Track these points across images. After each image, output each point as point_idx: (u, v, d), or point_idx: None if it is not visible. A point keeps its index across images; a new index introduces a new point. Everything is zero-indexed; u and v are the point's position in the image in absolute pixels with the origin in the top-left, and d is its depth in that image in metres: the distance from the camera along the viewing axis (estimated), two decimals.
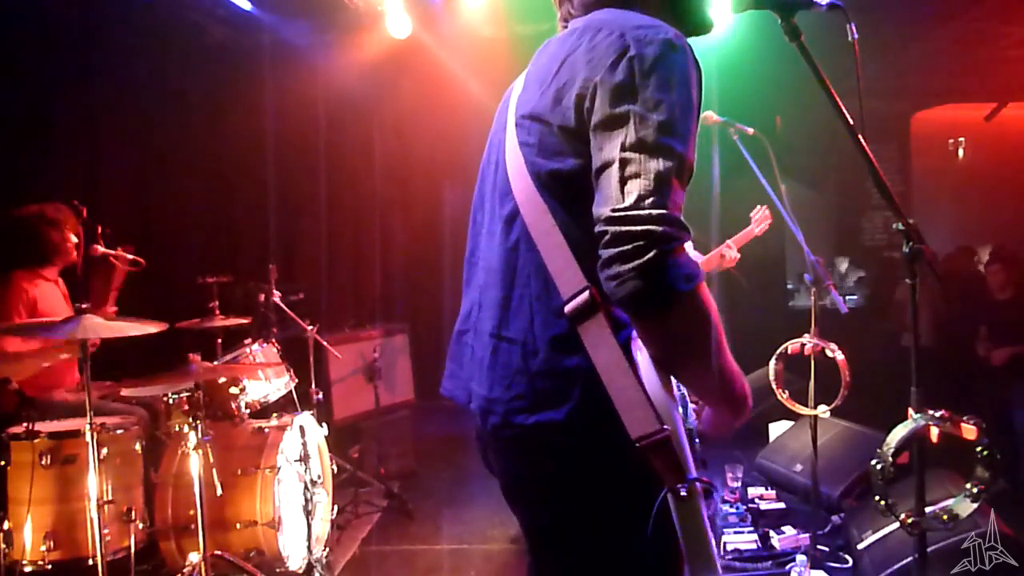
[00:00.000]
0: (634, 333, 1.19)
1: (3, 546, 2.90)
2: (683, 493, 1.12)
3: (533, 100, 1.32)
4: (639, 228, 1.08)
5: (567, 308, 1.20)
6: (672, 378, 1.24)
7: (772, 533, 3.58)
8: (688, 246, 3.92)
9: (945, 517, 1.91)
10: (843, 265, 8.20)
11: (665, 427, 1.12)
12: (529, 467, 1.31)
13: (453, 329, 1.52)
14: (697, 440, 1.39)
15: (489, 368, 1.32)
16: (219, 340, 3.72)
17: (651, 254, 1.07)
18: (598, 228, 1.13)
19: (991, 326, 5.07)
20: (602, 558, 1.27)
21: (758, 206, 3.87)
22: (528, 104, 1.34)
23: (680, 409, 1.34)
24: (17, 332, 3.24)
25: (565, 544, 1.32)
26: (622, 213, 1.10)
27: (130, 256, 3.71)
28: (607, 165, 1.14)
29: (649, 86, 1.15)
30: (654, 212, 1.09)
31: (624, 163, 1.13)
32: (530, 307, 1.27)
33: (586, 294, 1.18)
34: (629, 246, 1.08)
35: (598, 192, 1.15)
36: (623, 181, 1.12)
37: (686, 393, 1.38)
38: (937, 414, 1.82)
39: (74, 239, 3.63)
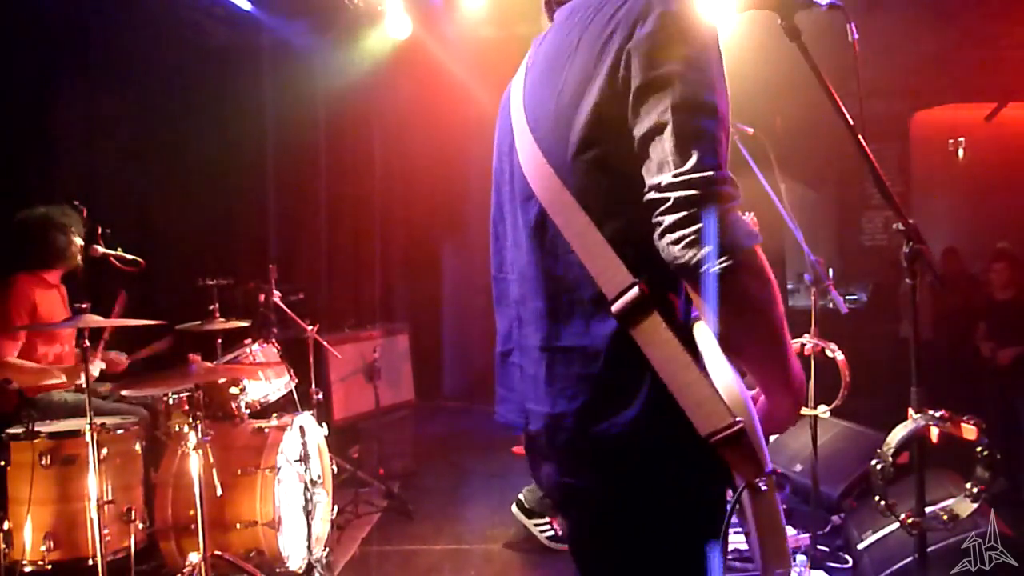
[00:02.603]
0: (694, 319, 1.15)
1: (3, 546, 2.90)
2: (763, 487, 1.07)
3: (545, 90, 1.27)
4: (701, 191, 1.06)
5: (615, 308, 1.14)
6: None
7: None
8: None
9: (945, 517, 1.91)
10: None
11: (739, 419, 1.06)
12: (603, 475, 1.24)
13: (495, 351, 1.44)
14: None
15: (547, 383, 1.25)
16: (219, 340, 3.72)
17: (717, 215, 1.06)
18: (654, 195, 1.09)
19: (991, 325, 5.07)
20: (669, 558, 1.22)
21: (747, 213, 3.89)
22: (539, 96, 1.29)
23: None
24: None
25: (633, 548, 1.24)
26: (684, 177, 1.07)
27: (129, 256, 3.70)
28: (658, 129, 1.11)
29: (688, 43, 1.12)
30: (713, 173, 1.07)
31: (676, 125, 1.09)
32: (580, 312, 1.21)
33: (635, 290, 1.13)
34: (694, 209, 1.06)
35: (649, 159, 1.11)
36: (678, 144, 1.08)
37: None
38: (937, 414, 1.82)
39: (79, 242, 3.62)
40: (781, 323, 1.14)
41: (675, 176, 1.08)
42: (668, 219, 1.08)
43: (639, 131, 1.13)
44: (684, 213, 1.07)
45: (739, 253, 1.07)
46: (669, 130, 1.09)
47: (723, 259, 1.06)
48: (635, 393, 1.16)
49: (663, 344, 1.12)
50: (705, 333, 1.14)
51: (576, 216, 1.20)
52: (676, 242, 1.08)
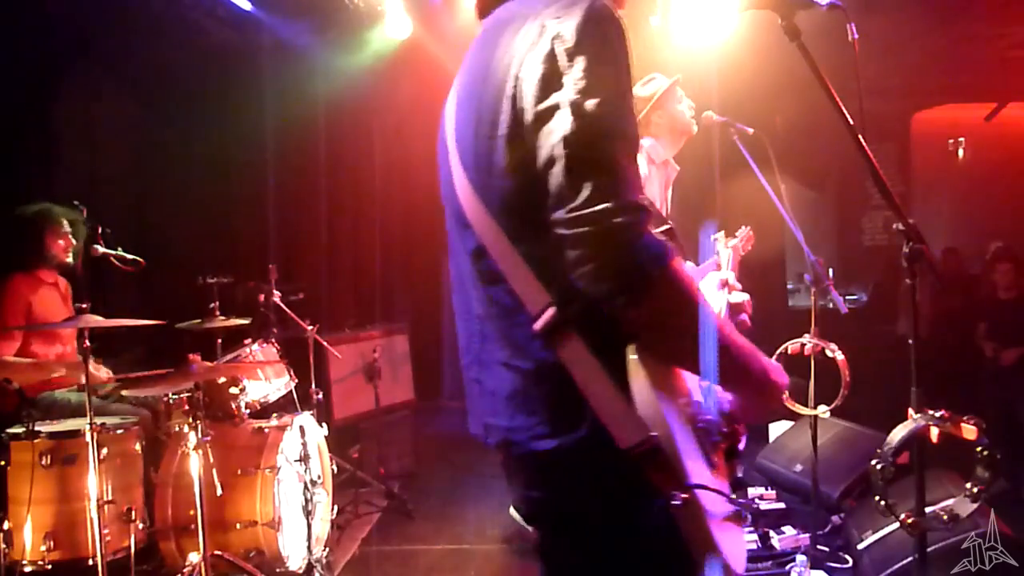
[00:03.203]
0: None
1: (3, 546, 2.90)
2: (677, 501, 1.08)
3: (466, 119, 1.26)
4: (596, 225, 1.05)
5: (535, 327, 1.15)
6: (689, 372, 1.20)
7: (772, 533, 3.58)
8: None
9: (945, 517, 1.91)
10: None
11: (653, 434, 1.08)
12: (556, 492, 1.26)
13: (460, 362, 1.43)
14: (724, 430, 1.32)
15: (508, 397, 1.25)
16: (219, 340, 3.72)
17: (615, 247, 1.05)
18: (556, 230, 1.09)
19: (992, 325, 5.06)
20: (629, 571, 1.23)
21: (744, 227, 3.87)
22: (462, 124, 1.28)
23: (703, 400, 1.29)
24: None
25: (593, 565, 1.26)
26: (576, 213, 1.06)
27: (129, 256, 3.71)
28: (551, 163, 1.09)
29: (576, 67, 1.09)
30: (608, 205, 1.05)
31: (567, 158, 1.07)
32: (528, 334, 1.20)
33: (551, 311, 1.14)
34: (591, 244, 1.06)
35: (549, 193, 1.10)
36: (569, 177, 1.07)
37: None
38: (937, 414, 1.82)
39: (72, 241, 3.60)
40: (709, 330, 1.13)
41: (568, 212, 1.07)
42: (570, 255, 1.08)
43: (539, 163, 1.11)
44: (581, 250, 1.06)
45: (644, 280, 1.06)
46: (561, 164, 1.08)
47: (624, 293, 1.07)
48: (583, 413, 1.15)
49: (582, 362, 1.13)
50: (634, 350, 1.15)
51: (500, 242, 1.20)
52: (580, 278, 1.08)
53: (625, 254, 1.06)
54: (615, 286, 1.07)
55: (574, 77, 1.09)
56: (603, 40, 1.12)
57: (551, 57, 1.11)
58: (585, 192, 1.06)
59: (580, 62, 1.09)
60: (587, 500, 1.22)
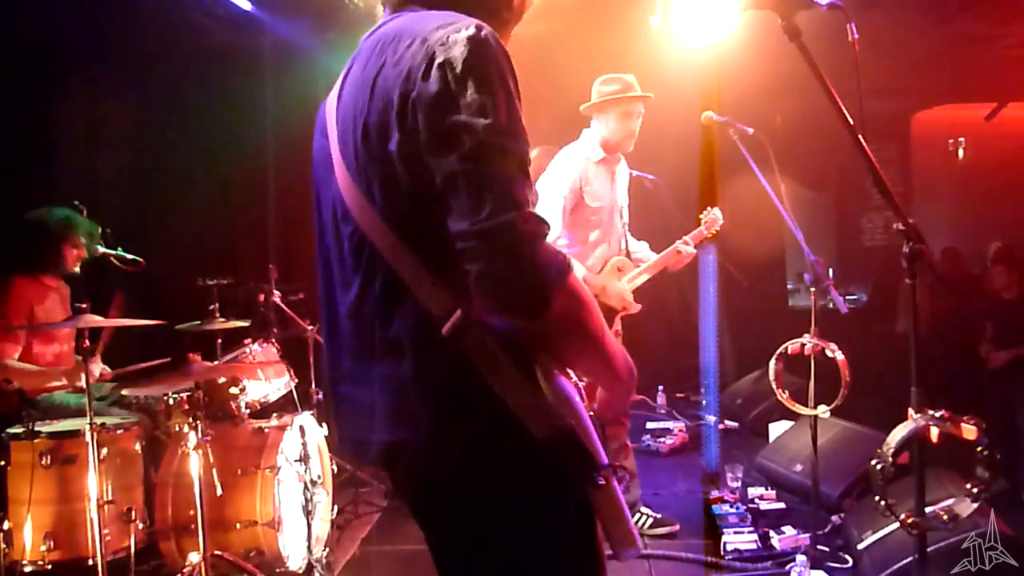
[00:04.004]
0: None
1: (3, 546, 2.90)
2: (601, 482, 1.15)
3: (351, 132, 1.27)
4: (498, 239, 1.10)
5: (444, 331, 1.18)
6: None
7: (772, 533, 3.58)
8: (644, 246, 3.90)
9: (945, 517, 1.91)
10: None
11: (569, 421, 1.15)
12: (449, 498, 1.27)
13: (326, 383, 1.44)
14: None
15: (390, 410, 1.26)
16: (219, 340, 3.72)
17: (516, 260, 1.10)
18: (459, 245, 1.13)
19: (997, 326, 5.05)
20: (534, 567, 1.25)
21: (708, 208, 3.91)
22: (348, 135, 1.29)
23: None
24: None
25: (495, 566, 1.27)
26: (479, 227, 1.10)
27: (129, 256, 3.71)
28: (450, 181, 1.14)
29: (467, 91, 1.14)
30: (508, 217, 1.10)
31: (466, 176, 1.12)
32: (413, 342, 1.22)
33: (458, 313, 1.17)
34: (494, 258, 1.11)
35: (450, 209, 1.14)
36: (470, 194, 1.12)
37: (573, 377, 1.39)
38: (937, 414, 1.82)
39: (76, 252, 3.60)
40: (599, 336, 1.22)
41: (472, 225, 1.11)
42: (473, 267, 1.12)
43: (437, 180, 1.16)
44: (484, 264, 1.11)
45: (546, 294, 1.12)
46: (461, 181, 1.13)
47: (530, 303, 1.12)
48: (470, 418, 1.20)
49: (491, 360, 1.17)
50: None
51: (397, 249, 1.22)
52: (484, 292, 1.12)
53: (527, 267, 1.11)
54: (518, 299, 1.12)
55: (465, 101, 1.14)
56: (489, 64, 1.17)
57: (443, 81, 1.15)
58: (487, 208, 1.11)
59: (470, 86, 1.14)
60: (488, 500, 1.24)
